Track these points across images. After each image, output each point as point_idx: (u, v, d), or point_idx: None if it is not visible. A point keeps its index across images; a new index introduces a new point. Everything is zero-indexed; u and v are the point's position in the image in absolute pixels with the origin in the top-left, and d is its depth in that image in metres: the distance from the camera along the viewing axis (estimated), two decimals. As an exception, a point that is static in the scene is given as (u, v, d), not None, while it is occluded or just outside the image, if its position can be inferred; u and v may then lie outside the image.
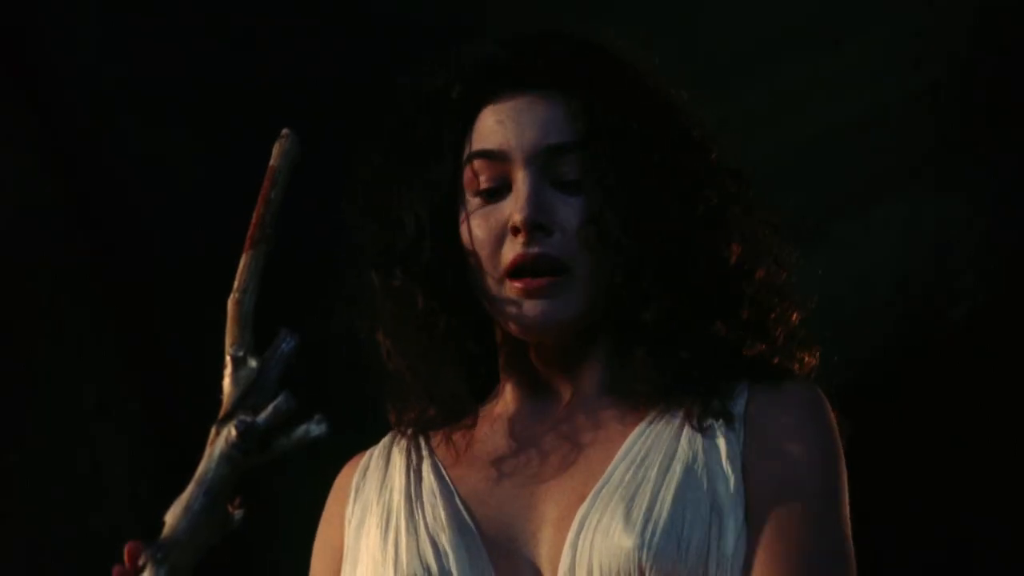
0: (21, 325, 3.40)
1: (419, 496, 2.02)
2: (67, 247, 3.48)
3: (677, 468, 1.93)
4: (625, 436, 1.98)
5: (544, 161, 2.01)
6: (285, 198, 1.77)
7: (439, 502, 2.00)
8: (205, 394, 3.60)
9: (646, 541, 1.88)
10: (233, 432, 1.60)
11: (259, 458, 1.62)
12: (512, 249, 1.99)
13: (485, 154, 2.03)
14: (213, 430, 1.63)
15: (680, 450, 1.95)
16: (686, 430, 1.96)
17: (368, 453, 2.13)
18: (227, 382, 1.65)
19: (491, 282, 2.01)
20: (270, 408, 1.60)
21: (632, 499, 1.91)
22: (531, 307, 1.99)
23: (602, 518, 1.91)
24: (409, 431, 2.09)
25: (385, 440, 2.13)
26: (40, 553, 3.36)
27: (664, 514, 1.89)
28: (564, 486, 1.97)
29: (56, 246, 3.47)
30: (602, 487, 1.94)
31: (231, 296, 1.70)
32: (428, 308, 2.05)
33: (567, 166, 2.01)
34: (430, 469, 2.04)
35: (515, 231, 1.99)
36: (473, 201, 2.03)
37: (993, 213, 3.22)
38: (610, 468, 1.95)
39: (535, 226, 1.98)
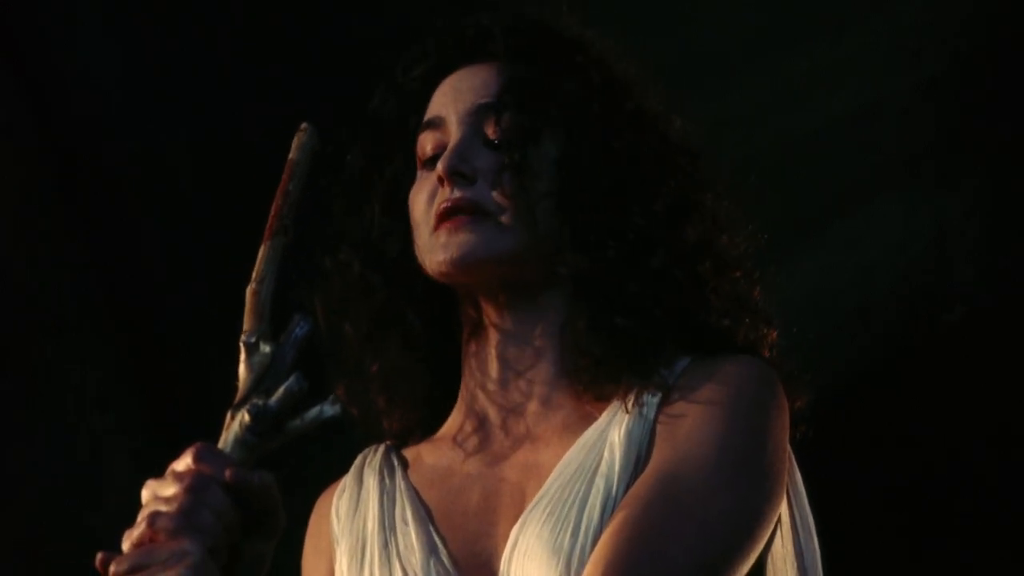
0: (20, 320, 3.40)
1: (392, 524, 2.01)
2: (67, 244, 3.48)
3: (600, 483, 1.90)
4: (572, 439, 1.96)
5: (475, 119, 2.05)
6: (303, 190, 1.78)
7: (411, 529, 1.99)
8: (206, 390, 3.60)
9: (572, 571, 1.85)
10: (246, 416, 1.61)
11: (273, 441, 1.63)
12: (440, 199, 2.02)
13: (427, 124, 2.09)
14: (228, 415, 1.64)
15: (603, 460, 1.92)
16: (612, 428, 1.94)
17: (343, 479, 2.13)
18: (241, 368, 1.67)
19: (425, 239, 2.03)
20: (281, 390, 1.61)
21: (560, 522, 1.89)
22: (453, 241, 2.00)
23: (530, 543, 1.89)
24: (380, 449, 2.10)
25: (356, 462, 2.12)
26: (38, 550, 3.36)
27: (589, 539, 1.87)
28: (516, 500, 1.96)
29: (56, 243, 3.47)
30: (534, 507, 1.92)
31: (249, 286, 1.72)
32: (364, 276, 2.08)
33: (493, 127, 2.05)
34: (403, 492, 2.04)
35: (440, 181, 2.02)
36: (421, 173, 2.07)
37: (992, 208, 3.22)
38: (547, 484, 1.94)
39: (455, 173, 2.01)
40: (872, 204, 3.28)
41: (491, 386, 2.06)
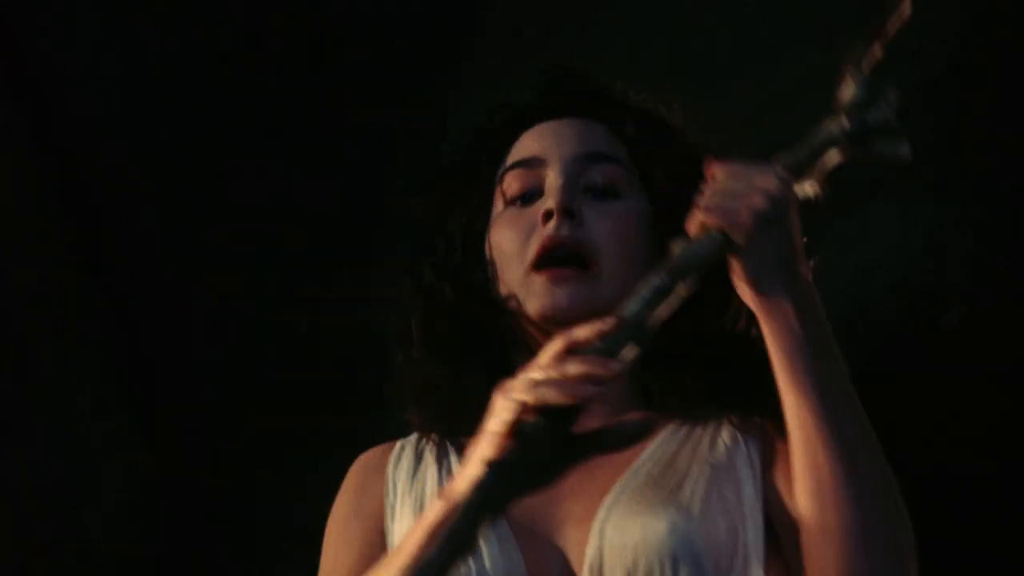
0: (16, 326, 3.40)
1: None
2: (67, 244, 3.49)
3: (706, 468, 2.01)
4: (646, 439, 2.02)
5: (578, 167, 2.13)
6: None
7: None
8: (205, 389, 3.60)
9: (678, 526, 1.92)
10: (845, 121, 1.90)
11: (853, 150, 1.91)
12: (541, 235, 2.08)
13: (520, 163, 2.15)
14: (823, 123, 1.93)
15: (708, 453, 2.02)
16: (718, 438, 2.04)
17: (398, 444, 2.17)
18: (845, 90, 1.93)
19: (517, 277, 2.10)
20: (881, 109, 1.92)
21: (661, 489, 1.98)
22: (556, 292, 2.07)
23: (631, 504, 1.96)
24: (436, 437, 2.13)
25: (412, 438, 2.16)
26: (38, 550, 3.37)
27: (696, 503, 1.96)
28: (586, 484, 2.01)
29: (56, 243, 3.47)
30: (629, 479, 2.00)
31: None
32: (457, 300, 2.12)
33: (600, 175, 2.13)
34: (459, 468, 2.08)
35: (547, 216, 2.09)
36: (504, 209, 2.11)
37: (991, 209, 3.22)
38: (636, 465, 2.02)
39: (567, 211, 2.08)
40: (870, 205, 3.28)
41: None
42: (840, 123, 1.92)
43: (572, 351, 1.80)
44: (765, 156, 2.69)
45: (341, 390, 3.17)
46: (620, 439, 2.05)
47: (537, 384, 1.78)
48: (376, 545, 2.10)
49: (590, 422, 2.09)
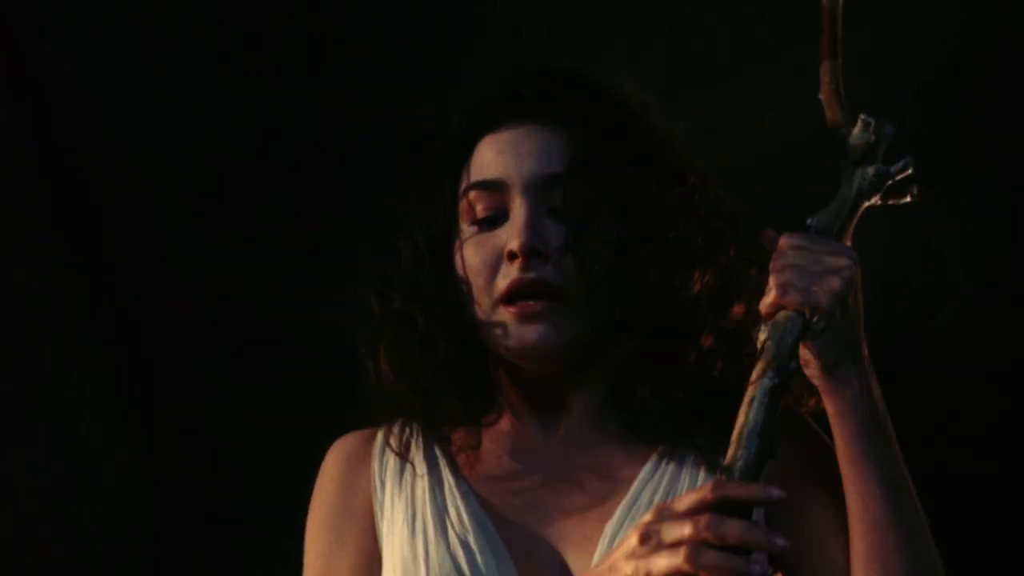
0: (16, 326, 3.40)
1: (443, 500, 2.04)
2: (64, 247, 3.48)
3: None
4: (635, 462, 2.03)
5: (542, 190, 2.05)
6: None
7: (461, 506, 2.02)
8: (204, 390, 3.60)
9: None
10: (871, 172, 1.98)
11: (876, 197, 2.00)
12: (507, 275, 2.03)
13: (483, 184, 2.08)
14: (846, 173, 1.99)
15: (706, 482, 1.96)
16: (715, 468, 1.99)
17: (379, 435, 2.15)
18: (852, 142, 1.99)
19: (485, 309, 2.05)
20: (900, 163, 2.01)
21: None
22: (525, 331, 2.02)
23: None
24: (417, 428, 2.11)
25: (394, 427, 2.14)
26: (35, 552, 3.36)
27: None
28: (580, 506, 2.02)
29: (56, 243, 3.47)
30: (631, 505, 1.99)
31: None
32: (427, 330, 2.08)
33: (564, 198, 2.06)
34: (449, 475, 2.07)
35: (511, 256, 2.02)
36: (468, 230, 2.08)
37: (988, 212, 3.21)
38: (633, 489, 2.00)
39: (532, 251, 2.02)
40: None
41: (532, 412, 2.11)
42: (865, 176, 1.99)
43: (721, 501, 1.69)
44: (765, 156, 2.69)
45: (341, 390, 3.16)
46: (606, 459, 2.04)
47: (696, 548, 1.67)
48: (370, 550, 2.07)
49: (572, 441, 2.07)
